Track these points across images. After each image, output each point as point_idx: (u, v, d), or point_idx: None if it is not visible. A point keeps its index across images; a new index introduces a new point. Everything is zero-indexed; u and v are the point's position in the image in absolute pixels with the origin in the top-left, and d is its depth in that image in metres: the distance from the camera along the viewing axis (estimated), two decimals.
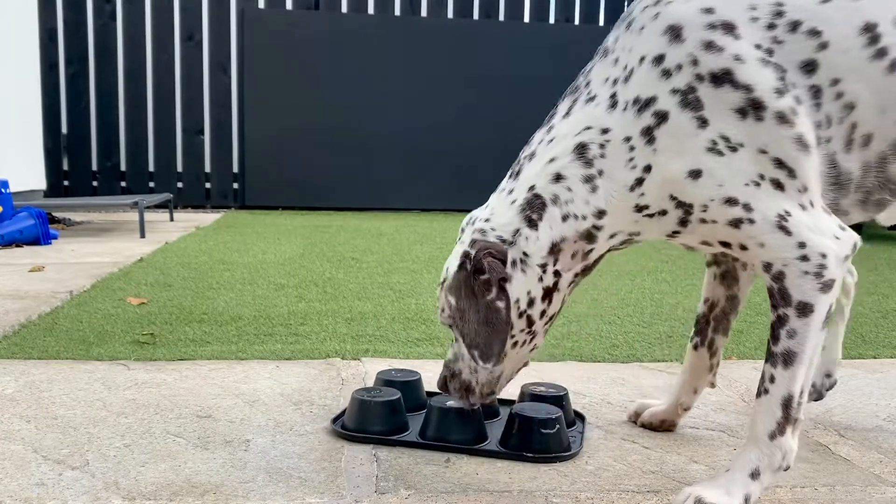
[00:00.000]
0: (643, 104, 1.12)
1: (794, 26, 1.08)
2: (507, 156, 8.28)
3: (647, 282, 3.20)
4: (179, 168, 7.10)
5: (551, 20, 7.49)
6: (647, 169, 1.13)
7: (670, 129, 1.10)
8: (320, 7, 7.15)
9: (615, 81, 1.16)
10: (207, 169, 7.14)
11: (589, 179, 1.17)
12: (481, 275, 1.19)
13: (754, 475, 1.13)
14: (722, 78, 1.07)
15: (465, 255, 1.22)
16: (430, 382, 1.65)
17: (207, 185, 7.15)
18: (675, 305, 2.73)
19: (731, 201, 1.10)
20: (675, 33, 1.10)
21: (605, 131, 1.16)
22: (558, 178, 1.19)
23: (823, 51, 1.08)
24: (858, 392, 1.77)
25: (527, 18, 7.47)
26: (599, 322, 2.41)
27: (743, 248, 1.13)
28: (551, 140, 1.20)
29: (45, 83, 6.50)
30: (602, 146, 1.16)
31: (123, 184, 7.03)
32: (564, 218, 1.19)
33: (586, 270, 1.26)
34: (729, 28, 1.08)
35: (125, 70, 6.97)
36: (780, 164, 1.08)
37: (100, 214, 6.04)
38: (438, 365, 1.89)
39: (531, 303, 1.22)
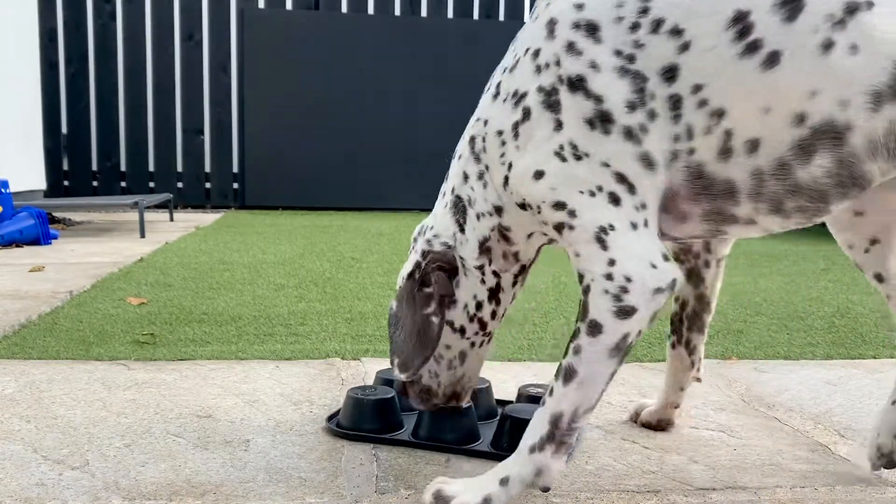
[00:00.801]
0: (518, 98, 1.08)
1: (657, 25, 0.98)
2: None
3: None
4: (179, 168, 7.11)
5: None
6: (508, 164, 1.10)
7: (531, 126, 1.06)
8: (320, 7, 7.15)
9: (504, 70, 1.13)
10: (207, 169, 7.14)
11: (480, 176, 1.17)
12: (426, 287, 1.19)
13: (503, 482, 1.08)
14: (577, 84, 1.02)
15: (417, 266, 1.22)
16: None
17: (207, 185, 7.15)
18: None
19: (558, 205, 1.04)
20: (550, 28, 1.05)
21: (486, 123, 1.14)
22: (465, 176, 1.19)
23: (684, 53, 0.97)
24: (858, 392, 1.77)
25: (527, 18, 7.46)
26: None
27: (577, 255, 1.06)
28: (464, 134, 1.21)
29: (45, 83, 6.50)
30: (483, 139, 1.14)
31: (123, 184, 7.03)
32: (478, 217, 1.18)
33: (526, 269, 1.25)
34: (592, 29, 1.02)
35: (125, 70, 6.97)
36: (621, 178, 1.02)
37: (100, 214, 6.04)
38: None
39: (479, 306, 1.22)
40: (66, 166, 6.96)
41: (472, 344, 1.28)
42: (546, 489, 1.08)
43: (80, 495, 1.15)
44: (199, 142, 7.12)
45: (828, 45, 0.92)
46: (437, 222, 1.23)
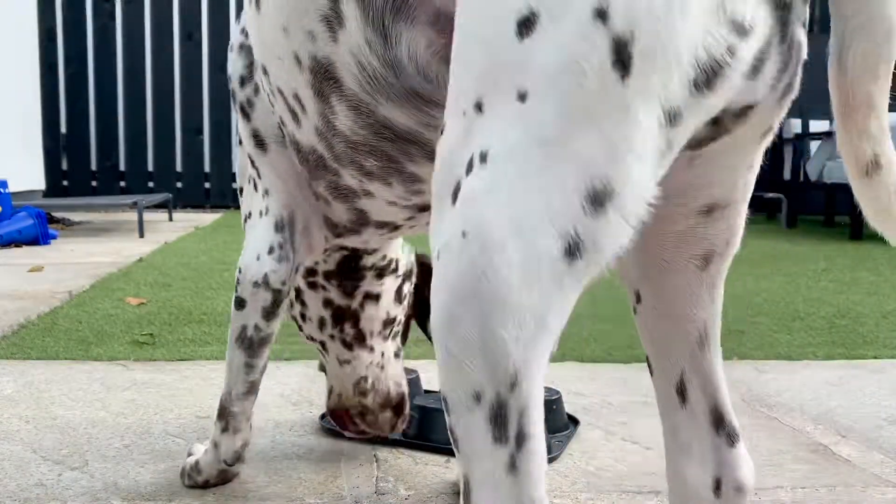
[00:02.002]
0: None
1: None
2: None
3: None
4: (179, 168, 7.10)
5: None
6: None
7: None
8: None
9: None
10: (207, 169, 7.13)
11: None
12: None
13: (208, 449, 1.16)
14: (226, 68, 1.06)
15: None
16: (429, 382, 1.65)
17: (207, 184, 7.14)
18: None
19: (241, 191, 1.13)
20: None
21: None
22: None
23: (248, 14, 0.95)
24: (859, 392, 1.76)
25: None
26: (599, 322, 2.41)
27: None
28: None
29: (44, 83, 6.49)
30: None
31: (123, 184, 7.03)
32: None
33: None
34: (238, 16, 1.06)
35: (124, 70, 6.97)
36: (251, 161, 1.05)
37: (99, 214, 6.04)
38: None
39: None
40: (65, 166, 6.95)
41: (319, 351, 1.34)
42: (226, 463, 1.14)
43: (79, 496, 1.14)
44: (199, 141, 7.12)
45: None
46: None
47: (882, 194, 0.67)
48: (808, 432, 1.50)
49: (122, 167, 7.04)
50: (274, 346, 2.01)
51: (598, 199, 0.54)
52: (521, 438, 0.55)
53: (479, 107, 0.58)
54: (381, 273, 1.27)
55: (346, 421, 1.30)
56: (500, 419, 0.55)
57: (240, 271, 1.06)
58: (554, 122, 0.55)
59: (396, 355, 1.32)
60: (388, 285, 1.28)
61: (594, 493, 1.21)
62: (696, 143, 0.62)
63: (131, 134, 7.02)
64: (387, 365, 1.29)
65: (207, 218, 5.99)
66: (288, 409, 1.56)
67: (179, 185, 7.07)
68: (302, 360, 1.92)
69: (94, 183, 7.00)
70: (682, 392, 0.81)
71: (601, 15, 0.53)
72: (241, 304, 1.07)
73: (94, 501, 1.13)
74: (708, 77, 0.55)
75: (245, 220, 1.10)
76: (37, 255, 3.65)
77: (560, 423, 1.48)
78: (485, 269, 0.54)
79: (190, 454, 1.22)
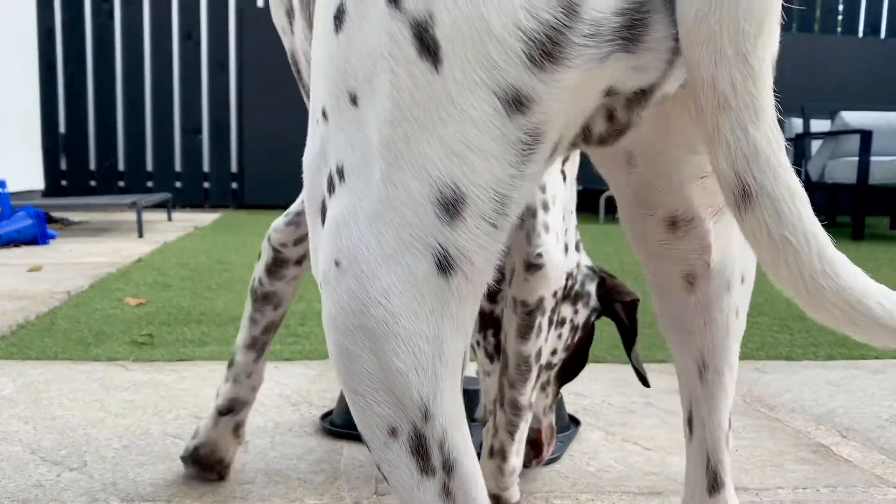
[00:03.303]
0: None
1: None
2: None
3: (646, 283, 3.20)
4: (178, 168, 7.10)
5: None
6: None
7: None
8: None
9: None
10: (206, 168, 7.13)
11: None
12: None
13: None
14: None
15: None
16: None
17: (206, 184, 7.14)
18: None
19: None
20: None
21: None
22: None
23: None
24: (860, 393, 1.76)
25: None
26: (600, 322, 2.40)
27: None
28: None
29: (42, 83, 6.49)
30: None
31: (122, 183, 7.02)
32: None
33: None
34: None
35: (123, 69, 6.97)
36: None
37: (98, 214, 6.03)
38: None
39: None
40: (63, 166, 6.95)
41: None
42: (218, 411, 1.19)
43: (78, 496, 1.14)
44: (198, 141, 7.11)
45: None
46: None
47: (761, 240, 0.47)
48: (808, 433, 1.50)
49: (120, 167, 7.03)
50: (273, 347, 2.02)
51: (450, 206, 0.49)
52: (448, 466, 0.52)
53: (324, 114, 0.53)
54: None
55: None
56: (421, 451, 0.52)
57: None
58: (385, 127, 0.49)
59: (542, 388, 1.15)
60: None
61: (595, 493, 1.20)
62: (598, 138, 0.53)
63: (130, 134, 7.01)
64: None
65: (206, 218, 5.98)
66: (288, 409, 1.56)
67: (178, 184, 7.07)
68: (301, 361, 1.92)
69: (92, 183, 7.00)
70: (690, 424, 0.75)
71: (393, 1, 0.47)
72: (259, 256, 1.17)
73: (93, 502, 1.12)
74: (546, 48, 0.46)
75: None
76: (35, 255, 3.64)
77: (561, 423, 1.47)
78: (364, 300, 0.51)
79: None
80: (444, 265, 0.50)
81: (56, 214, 5.33)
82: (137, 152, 7.02)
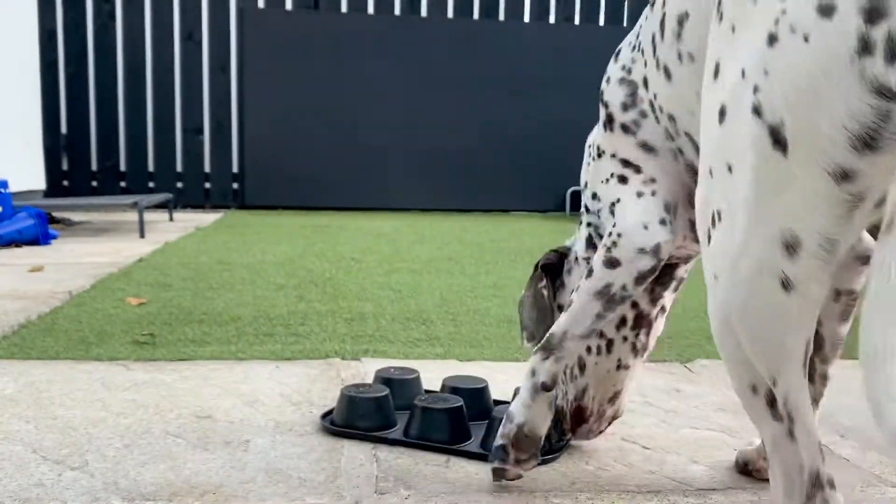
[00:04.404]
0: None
1: (639, 46, 1.18)
2: (508, 155, 8.27)
3: None
4: (179, 168, 7.10)
5: (551, 20, 7.48)
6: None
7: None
8: (320, 7, 7.14)
9: None
10: (207, 169, 7.13)
11: (586, 185, 1.33)
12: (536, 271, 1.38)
13: (515, 392, 1.25)
14: (601, 96, 1.25)
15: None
16: (429, 381, 1.65)
17: (207, 185, 7.14)
18: (675, 305, 2.73)
19: (594, 196, 1.27)
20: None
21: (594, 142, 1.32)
22: (586, 184, 1.34)
23: (645, 68, 1.16)
24: (859, 393, 1.76)
25: (527, 18, 7.46)
26: None
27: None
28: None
29: (44, 83, 6.49)
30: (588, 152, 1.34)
31: (123, 184, 7.02)
32: (589, 216, 1.33)
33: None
34: (616, 54, 1.24)
35: (124, 70, 6.96)
36: (626, 163, 1.20)
37: (99, 214, 6.04)
38: (438, 365, 1.89)
39: None
40: (65, 166, 6.94)
41: (589, 349, 1.33)
42: (542, 387, 1.20)
43: (79, 496, 1.14)
44: (199, 142, 7.11)
45: (681, 56, 1.05)
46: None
47: None
48: None
49: (122, 167, 7.03)
50: (274, 347, 2.02)
51: (791, 247, 0.73)
52: (790, 417, 0.81)
53: (710, 172, 0.81)
54: (677, 288, 1.36)
55: (574, 420, 1.37)
56: (773, 403, 0.82)
57: (619, 236, 1.15)
58: (749, 189, 0.75)
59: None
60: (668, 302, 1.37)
61: (594, 492, 1.21)
62: None
63: (131, 134, 7.01)
64: (630, 386, 1.39)
65: (208, 218, 5.99)
66: (288, 408, 1.56)
67: (180, 185, 7.07)
68: (302, 360, 1.92)
69: (94, 183, 7.00)
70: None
71: (757, 111, 0.73)
72: (613, 263, 1.15)
73: (95, 501, 1.13)
74: (866, 140, 0.67)
75: (612, 206, 1.20)
76: (37, 256, 3.65)
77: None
78: (731, 306, 0.80)
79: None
80: (786, 286, 0.75)
81: (57, 214, 5.33)
82: (139, 153, 7.02)
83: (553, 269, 1.38)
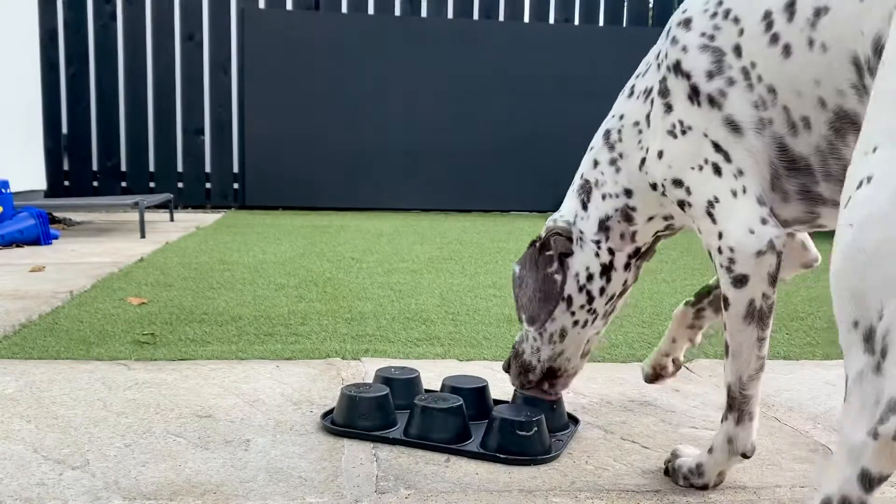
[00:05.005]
0: (647, 93, 1.27)
1: (727, 13, 1.14)
2: (508, 155, 8.28)
3: (646, 282, 3.20)
4: (180, 168, 7.10)
5: (551, 20, 7.48)
6: (646, 149, 1.27)
7: (654, 113, 1.24)
8: (320, 7, 7.14)
9: (638, 76, 1.33)
10: (208, 169, 7.13)
11: (613, 162, 1.33)
12: (547, 250, 1.36)
13: (710, 451, 1.22)
14: (676, 68, 1.18)
15: (537, 237, 1.39)
16: (429, 381, 1.65)
17: (208, 185, 7.14)
18: (675, 305, 2.73)
19: (676, 182, 1.20)
20: (666, 32, 1.25)
21: (621, 117, 1.31)
22: (595, 163, 1.35)
23: (741, 37, 1.12)
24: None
25: (527, 18, 7.46)
26: None
27: (699, 231, 1.20)
28: (599, 131, 1.38)
29: (45, 83, 6.49)
30: (619, 131, 1.32)
31: (124, 184, 7.02)
32: (604, 198, 1.34)
33: (639, 254, 1.37)
34: (686, 23, 1.18)
35: (125, 70, 6.97)
36: (717, 147, 1.14)
37: (100, 214, 6.04)
38: (439, 365, 1.90)
39: (590, 278, 1.36)
40: (66, 166, 6.95)
41: (576, 322, 1.38)
42: (744, 456, 1.19)
43: (80, 495, 1.15)
44: (200, 142, 7.11)
45: (811, 43, 1.03)
46: (564, 205, 1.41)
47: None
48: (806, 431, 1.51)
49: (123, 167, 7.03)
50: (274, 346, 2.03)
51: None
52: (884, 351, 0.81)
53: (874, 149, 0.84)
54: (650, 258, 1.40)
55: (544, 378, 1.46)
56: (869, 338, 0.83)
57: (732, 250, 1.12)
58: None
59: None
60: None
61: (593, 491, 1.21)
62: None
63: (132, 134, 7.01)
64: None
65: (208, 218, 5.99)
66: (289, 408, 1.57)
67: (180, 185, 7.07)
68: (303, 360, 1.93)
69: (95, 183, 7.00)
70: None
71: None
72: (742, 280, 1.12)
73: (96, 501, 1.13)
74: None
75: (710, 206, 1.15)
76: (38, 256, 3.65)
77: (560, 422, 1.48)
78: (860, 253, 0.84)
79: (676, 455, 1.28)
80: None
81: (59, 215, 5.34)
82: (139, 153, 7.02)
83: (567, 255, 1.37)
